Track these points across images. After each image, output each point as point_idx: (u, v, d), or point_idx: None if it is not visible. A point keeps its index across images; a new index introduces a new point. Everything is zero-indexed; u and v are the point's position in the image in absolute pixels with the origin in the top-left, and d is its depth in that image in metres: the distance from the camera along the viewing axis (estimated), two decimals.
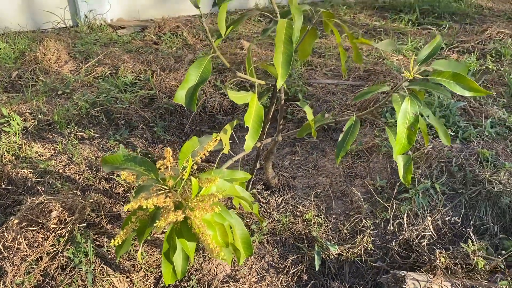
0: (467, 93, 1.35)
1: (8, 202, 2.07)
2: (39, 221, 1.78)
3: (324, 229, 2.03)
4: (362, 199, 2.12)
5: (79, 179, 2.20)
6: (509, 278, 1.67)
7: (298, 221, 2.05)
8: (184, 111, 2.82)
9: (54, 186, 2.11)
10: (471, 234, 1.90)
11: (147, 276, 1.78)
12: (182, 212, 1.21)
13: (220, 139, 1.57)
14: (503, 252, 1.81)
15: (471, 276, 1.73)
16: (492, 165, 2.15)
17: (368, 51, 3.71)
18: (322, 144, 2.60)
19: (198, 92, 1.35)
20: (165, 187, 1.30)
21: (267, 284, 1.82)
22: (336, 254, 1.90)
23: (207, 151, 1.36)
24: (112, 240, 1.23)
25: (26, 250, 1.70)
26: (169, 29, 4.09)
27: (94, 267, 1.72)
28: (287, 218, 2.06)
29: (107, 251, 1.79)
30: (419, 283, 1.66)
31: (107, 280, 1.70)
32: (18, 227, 1.76)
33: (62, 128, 2.58)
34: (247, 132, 1.49)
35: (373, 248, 1.92)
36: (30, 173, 2.21)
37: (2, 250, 1.70)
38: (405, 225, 1.95)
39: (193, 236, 1.27)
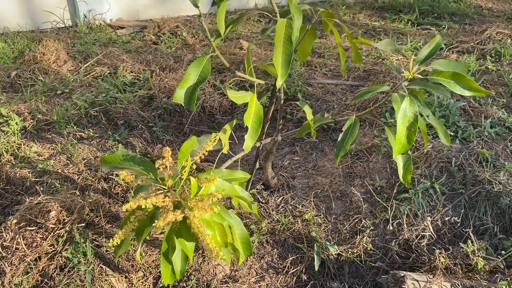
0: (467, 93, 1.34)
1: (7, 202, 2.06)
2: (38, 221, 1.78)
3: (324, 229, 2.02)
4: (361, 199, 2.12)
5: (78, 179, 2.20)
6: (508, 279, 1.67)
7: (297, 221, 2.04)
8: (184, 111, 2.82)
9: (53, 186, 2.11)
10: (470, 234, 1.89)
11: (146, 276, 1.78)
12: (181, 212, 1.21)
13: (219, 139, 1.57)
14: (503, 252, 1.81)
15: (470, 276, 1.73)
16: (491, 165, 2.15)
17: (367, 51, 3.71)
18: (321, 144, 2.60)
19: (198, 91, 1.35)
20: (164, 187, 1.30)
21: (267, 284, 1.82)
22: (335, 254, 1.90)
23: (206, 151, 1.36)
24: (111, 240, 1.23)
25: (25, 250, 1.69)
26: (168, 29, 4.09)
27: (93, 267, 1.71)
28: (287, 218, 2.06)
29: (106, 251, 1.79)
30: (418, 283, 1.66)
31: (106, 280, 1.69)
32: (16, 227, 1.76)
33: (61, 128, 2.57)
34: (246, 132, 1.48)
35: (372, 248, 1.92)
36: (29, 173, 2.20)
37: (1, 250, 1.69)
38: (405, 225, 1.94)
39: (192, 236, 1.27)
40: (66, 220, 1.80)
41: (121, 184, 2.17)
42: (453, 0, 5.21)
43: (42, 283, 1.66)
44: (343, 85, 3.11)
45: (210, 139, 1.39)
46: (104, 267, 1.73)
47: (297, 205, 2.14)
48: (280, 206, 2.15)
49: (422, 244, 1.87)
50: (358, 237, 1.95)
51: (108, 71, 3.20)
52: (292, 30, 1.31)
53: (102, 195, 2.08)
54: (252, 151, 2.46)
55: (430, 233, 1.92)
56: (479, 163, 2.16)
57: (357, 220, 2.04)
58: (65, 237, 1.76)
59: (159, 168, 1.32)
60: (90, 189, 2.13)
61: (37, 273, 1.67)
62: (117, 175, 2.19)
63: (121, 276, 1.74)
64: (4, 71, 3.19)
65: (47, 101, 2.83)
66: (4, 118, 2.53)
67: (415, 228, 1.93)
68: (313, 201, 2.17)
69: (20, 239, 1.72)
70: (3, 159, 2.29)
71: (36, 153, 2.37)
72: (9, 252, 1.69)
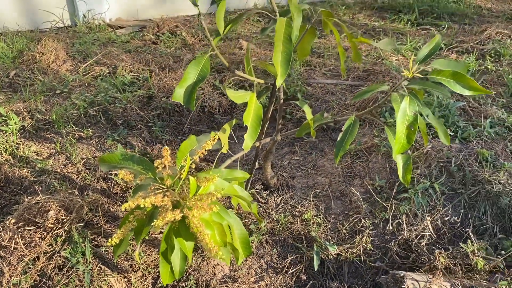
0: (466, 92, 1.34)
1: (5, 201, 2.05)
2: (36, 220, 1.77)
3: (323, 229, 2.02)
4: (361, 199, 2.11)
5: (76, 178, 2.19)
6: (508, 279, 1.66)
7: (297, 221, 2.04)
8: (183, 111, 2.81)
9: (51, 186, 2.10)
10: (470, 234, 1.89)
11: (145, 276, 1.77)
12: (180, 211, 1.21)
13: (219, 138, 1.57)
14: (503, 252, 1.81)
15: (470, 276, 1.73)
16: (491, 165, 2.14)
17: (367, 51, 3.70)
18: (321, 144, 2.60)
19: (197, 91, 1.35)
20: (163, 186, 1.29)
21: (266, 284, 1.81)
22: (335, 254, 1.89)
23: (205, 150, 1.35)
24: (110, 239, 1.22)
25: (23, 250, 1.69)
26: (168, 29, 4.08)
27: (91, 267, 1.70)
28: (286, 218, 2.05)
29: (105, 251, 1.78)
30: (418, 283, 1.65)
31: (104, 280, 1.69)
32: (15, 226, 1.75)
33: (60, 128, 2.57)
34: (245, 132, 1.48)
35: (372, 248, 1.91)
36: (28, 172, 2.20)
37: None
38: (404, 225, 1.94)
39: (191, 235, 1.26)
40: (65, 220, 1.80)
41: (120, 184, 2.17)
42: (452, 0, 5.21)
43: (40, 283, 1.66)
44: (342, 85, 3.11)
45: (209, 138, 1.38)
46: (103, 267, 1.73)
47: (296, 205, 2.14)
48: (280, 206, 2.14)
49: (422, 244, 1.87)
50: (358, 237, 1.94)
51: (107, 71, 3.19)
52: (292, 29, 1.31)
53: (101, 195, 2.07)
54: (251, 150, 2.45)
55: (430, 233, 1.91)
56: (478, 163, 2.15)
57: (356, 220, 2.03)
58: (63, 237, 1.75)
59: (158, 168, 1.31)
60: (89, 188, 2.12)
61: (35, 273, 1.67)
62: (116, 175, 2.19)
63: (120, 276, 1.74)
64: (3, 71, 3.18)
65: (46, 100, 2.82)
66: (3, 118, 2.53)
67: (415, 228, 1.92)
68: (313, 201, 2.16)
69: (19, 238, 1.71)
70: (2, 158, 2.28)
71: (34, 152, 2.37)
72: (8, 252, 1.68)
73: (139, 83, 3.03)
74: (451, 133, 2.41)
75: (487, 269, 1.74)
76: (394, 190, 2.08)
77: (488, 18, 4.79)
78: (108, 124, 2.66)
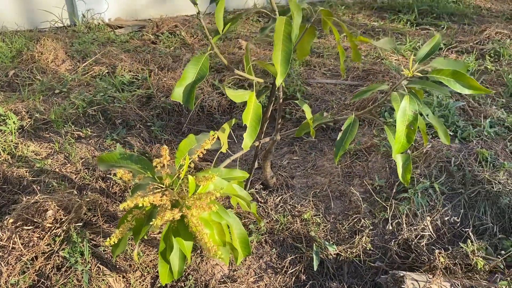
0: (466, 91, 1.33)
1: (4, 201, 2.05)
2: (35, 220, 1.77)
3: (323, 229, 2.01)
4: (360, 198, 2.11)
5: (75, 178, 2.18)
6: (508, 279, 1.66)
7: (296, 221, 2.03)
8: (182, 110, 2.81)
9: (50, 185, 2.09)
10: (470, 234, 1.89)
11: (144, 276, 1.76)
12: (179, 210, 1.20)
13: (218, 138, 1.56)
14: (503, 252, 1.80)
15: (470, 276, 1.72)
16: (491, 165, 2.14)
17: (366, 51, 3.70)
18: (320, 143, 2.59)
19: (196, 91, 1.34)
20: (161, 185, 1.29)
21: (265, 284, 1.81)
22: (334, 254, 1.89)
23: (204, 149, 1.35)
24: (108, 239, 1.21)
25: (21, 250, 1.68)
26: (167, 29, 4.08)
27: (90, 267, 1.70)
28: (286, 218, 2.05)
29: (104, 250, 1.78)
30: (418, 283, 1.65)
31: (103, 280, 1.68)
32: (13, 226, 1.75)
33: (58, 127, 2.56)
34: (245, 131, 1.47)
35: (372, 248, 1.91)
36: (26, 172, 2.19)
37: None
38: (404, 225, 1.94)
39: (190, 235, 1.26)
40: (63, 220, 1.79)
41: (119, 184, 2.16)
42: (452, 0, 5.21)
43: (38, 283, 1.65)
44: (342, 84, 3.11)
45: (209, 137, 1.38)
46: (101, 266, 1.72)
47: (296, 205, 2.13)
48: (279, 206, 2.14)
49: (422, 244, 1.87)
50: (357, 237, 1.94)
51: (106, 71, 3.19)
52: (292, 27, 1.30)
53: (100, 195, 2.06)
54: (251, 150, 2.44)
55: (430, 233, 1.91)
56: (478, 163, 2.15)
57: (356, 219, 2.03)
58: (62, 237, 1.75)
59: (156, 167, 1.30)
60: (87, 188, 2.12)
61: (33, 273, 1.66)
62: (115, 174, 2.18)
63: (119, 276, 1.73)
64: (2, 70, 3.17)
65: (45, 100, 2.81)
66: (2, 117, 2.52)
67: (415, 228, 1.92)
68: (312, 200, 2.16)
69: (17, 238, 1.70)
70: (0, 158, 2.27)
71: (33, 152, 2.36)
72: (6, 252, 1.67)
73: (138, 83, 3.02)
74: (451, 133, 2.41)
75: (487, 269, 1.73)
76: (394, 190, 2.07)
77: (488, 18, 4.79)
78: (107, 124, 2.65)
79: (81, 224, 1.82)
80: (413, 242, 1.87)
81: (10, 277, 1.62)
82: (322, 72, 3.32)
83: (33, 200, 1.85)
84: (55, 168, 2.23)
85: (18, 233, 1.72)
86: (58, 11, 4.11)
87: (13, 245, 1.69)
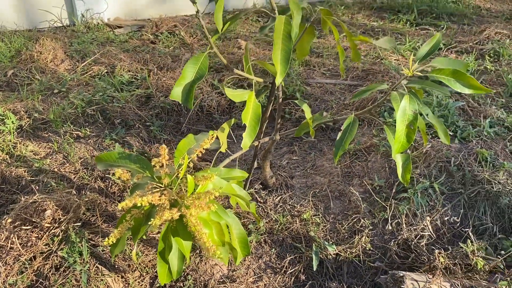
0: (466, 91, 1.33)
1: (2, 201, 2.04)
2: (33, 220, 1.76)
3: (322, 229, 2.01)
4: (360, 198, 2.10)
5: (74, 178, 2.18)
6: (508, 279, 1.65)
7: (295, 221, 2.03)
8: (181, 110, 2.80)
9: (48, 185, 2.08)
10: (470, 234, 1.88)
11: (143, 276, 1.76)
12: (178, 210, 1.19)
13: (217, 137, 1.55)
14: (502, 252, 1.80)
15: (470, 276, 1.72)
16: (491, 165, 2.14)
17: (366, 50, 3.70)
18: (320, 143, 2.59)
19: (195, 90, 1.33)
20: (160, 185, 1.28)
21: (264, 284, 1.80)
22: (334, 254, 1.88)
23: (203, 149, 1.34)
24: (106, 239, 1.21)
25: (20, 250, 1.67)
26: (166, 29, 4.07)
27: (88, 267, 1.69)
28: (285, 218, 2.04)
29: (102, 250, 1.77)
30: (418, 283, 1.64)
31: (101, 280, 1.67)
32: (11, 226, 1.74)
33: (57, 127, 2.55)
34: (244, 131, 1.47)
35: (371, 248, 1.90)
36: (25, 172, 2.18)
37: None
38: (404, 225, 1.93)
39: (189, 235, 1.25)
40: (62, 219, 1.78)
41: (118, 183, 2.15)
42: (451, 0, 5.21)
43: (37, 283, 1.64)
44: (341, 84, 3.10)
45: (208, 136, 1.37)
46: (100, 267, 1.71)
47: (295, 205, 2.13)
48: (278, 206, 2.13)
49: (421, 244, 1.86)
50: (357, 237, 1.93)
51: (105, 70, 3.18)
52: (292, 26, 1.30)
53: (99, 194, 2.06)
54: (250, 150, 2.44)
55: (429, 233, 1.90)
56: (478, 163, 2.15)
57: (355, 219, 2.02)
58: (60, 237, 1.74)
59: (155, 166, 1.30)
60: (86, 188, 2.11)
61: (32, 273, 1.65)
62: (113, 174, 2.17)
63: (117, 276, 1.72)
64: (0, 70, 3.17)
65: (44, 100, 2.81)
66: (0, 117, 2.51)
67: (414, 228, 1.91)
68: (312, 200, 2.15)
69: (15, 238, 1.70)
70: None
71: (32, 152, 2.35)
72: (4, 252, 1.67)
73: (137, 83, 3.02)
74: (451, 133, 2.41)
75: (486, 269, 1.73)
76: (394, 190, 2.07)
77: (487, 18, 4.79)
78: (106, 124, 2.64)
79: (79, 224, 1.81)
80: (413, 242, 1.87)
81: (8, 277, 1.61)
82: (322, 72, 3.31)
83: (31, 200, 1.85)
84: (53, 168, 2.23)
85: (17, 233, 1.72)
86: (57, 11, 4.10)
87: (11, 245, 1.68)
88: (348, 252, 1.88)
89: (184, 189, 1.29)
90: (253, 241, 1.94)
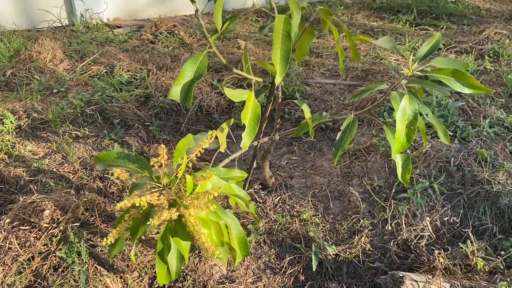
0: (466, 90, 1.33)
1: (0, 201, 2.03)
2: (31, 220, 1.75)
3: (322, 229, 2.00)
4: (360, 199, 2.10)
5: (73, 178, 2.17)
6: (508, 279, 1.65)
7: (295, 221, 2.02)
8: (180, 110, 2.79)
9: (47, 185, 2.08)
10: (470, 234, 1.88)
11: (141, 277, 1.75)
12: (177, 210, 1.19)
13: (216, 137, 1.55)
14: (502, 252, 1.79)
15: (470, 276, 1.71)
16: (490, 165, 2.13)
17: (365, 50, 3.69)
18: (319, 143, 2.58)
19: (195, 91, 1.33)
20: (159, 184, 1.28)
21: (264, 284, 1.80)
22: (333, 254, 1.88)
23: (202, 148, 1.34)
24: (105, 239, 1.20)
25: (18, 250, 1.67)
26: (165, 28, 4.07)
27: (87, 267, 1.68)
28: (284, 218, 2.04)
29: (101, 251, 1.76)
30: (417, 283, 1.64)
31: (100, 280, 1.67)
32: (9, 226, 1.73)
33: (56, 127, 2.54)
34: (244, 131, 1.46)
35: (371, 249, 1.90)
36: (23, 171, 2.17)
37: None
38: (403, 225, 1.93)
39: (188, 235, 1.25)
40: (60, 220, 1.78)
41: (116, 183, 2.15)
42: (451, 0, 5.21)
43: (35, 283, 1.64)
44: (341, 84, 3.10)
45: (207, 136, 1.37)
46: (98, 267, 1.71)
47: (294, 205, 2.12)
48: (278, 206, 2.13)
49: (421, 244, 1.86)
50: (356, 237, 1.93)
51: (104, 70, 3.17)
52: (291, 26, 1.29)
53: (98, 194, 2.05)
54: (249, 150, 2.43)
55: (429, 233, 1.90)
56: (478, 163, 2.14)
57: (355, 220, 2.02)
58: (59, 237, 1.73)
59: (154, 166, 1.29)
60: (85, 188, 2.10)
61: (30, 273, 1.65)
62: (112, 174, 2.17)
63: (116, 276, 1.72)
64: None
65: (43, 99, 2.80)
66: None
67: (414, 228, 1.91)
68: (311, 201, 2.15)
69: (13, 238, 1.69)
70: None
71: (30, 152, 2.35)
72: (2, 252, 1.66)
73: (137, 83, 3.01)
74: (450, 133, 2.40)
75: (486, 270, 1.72)
76: (393, 190, 2.06)
77: (487, 18, 4.79)
78: (105, 124, 2.64)
79: (78, 224, 1.81)
80: (413, 243, 1.86)
81: (7, 278, 1.61)
82: (321, 72, 3.31)
83: (30, 200, 1.84)
84: (52, 168, 2.22)
85: (15, 233, 1.71)
86: (56, 11, 4.09)
87: (10, 245, 1.68)
88: (347, 253, 1.88)
89: (183, 189, 1.28)
90: (252, 241, 1.93)
